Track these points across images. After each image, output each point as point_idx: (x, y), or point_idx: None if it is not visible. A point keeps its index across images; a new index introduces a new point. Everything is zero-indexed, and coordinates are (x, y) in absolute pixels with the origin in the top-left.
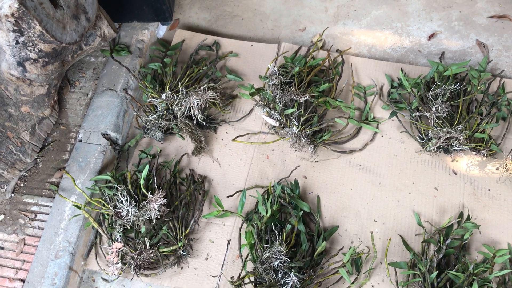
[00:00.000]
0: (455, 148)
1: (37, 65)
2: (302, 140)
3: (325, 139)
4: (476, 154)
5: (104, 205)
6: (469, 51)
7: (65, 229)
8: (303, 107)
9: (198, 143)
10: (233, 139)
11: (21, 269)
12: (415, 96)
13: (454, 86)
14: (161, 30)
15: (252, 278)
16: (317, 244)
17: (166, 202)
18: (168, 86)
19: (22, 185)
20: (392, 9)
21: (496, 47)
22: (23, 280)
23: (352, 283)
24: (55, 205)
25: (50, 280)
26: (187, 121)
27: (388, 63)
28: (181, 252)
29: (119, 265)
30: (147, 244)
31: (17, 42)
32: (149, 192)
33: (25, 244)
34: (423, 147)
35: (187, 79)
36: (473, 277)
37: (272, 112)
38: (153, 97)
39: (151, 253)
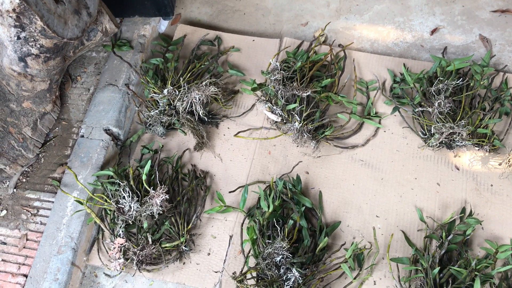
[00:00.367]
0: (457, 144)
1: (39, 61)
2: (304, 136)
3: (327, 134)
4: (478, 149)
5: (106, 201)
6: (472, 46)
7: (68, 224)
8: (305, 102)
9: (200, 138)
10: (235, 135)
11: (23, 264)
12: (417, 91)
13: (457, 81)
14: (163, 25)
15: (254, 274)
16: (319, 239)
17: (168, 197)
18: (169, 82)
19: (24, 180)
20: (394, 3)
21: (499, 42)
22: (25, 275)
23: (354, 278)
24: (57, 200)
25: (53, 276)
26: (189, 117)
27: (391, 58)
28: (183, 248)
29: (121, 260)
30: (149, 240)
31: (18, 38)
32: (151, 187)
33: (27, 240)
34: (425, 143)
35: (188, 74)
36: (476, 273)
37: (274, 107)
38: (155, 93)
39: (153, 248)
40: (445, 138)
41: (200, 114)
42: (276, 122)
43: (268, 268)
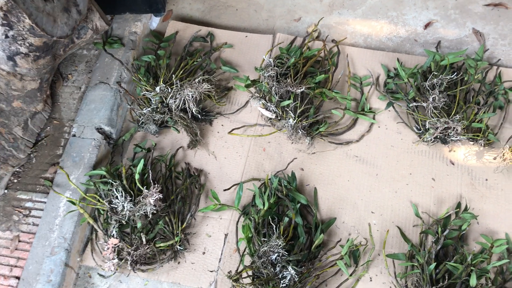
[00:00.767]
0: (452, 138)
1: (28, 59)
2: (299, 132)
3: (322, 130)
4: (473, 144)
5: (99, 201)
6: (466, 40)
7: (60, 225)
8: (299, 98)
9: (194, 136)
10: (229, 132)
11: (16, 266)
12: (411, 86)
13: (451, 75)
14: (154, 22)
15: (250, 272)
16: (315, 236)
17: (162, 196)
18: (162, 79)
19: (15, 181)
20: None
21: (493, 36)
22: (18, 278)
23: (350, 275)
24: (49, 201)
25: (46, 277)
26: (182, 114)
27: (384, 53)
28: (178, 247)
29: (116, 260)
30: (143, 239)
31: (6, 36)
32: (145, 186)
33: (19, 241)
34: (420, 138)
35: (181, 71)
36: (471, 267)
37: (268, 104)
38: (147, 90)
39: (147, 248)
40: (440, 133)
41: (193, 111)
42: (270, 118)
43: (264, 266)
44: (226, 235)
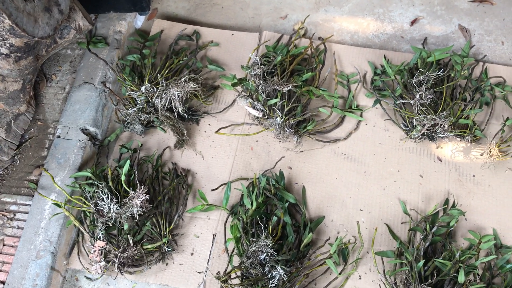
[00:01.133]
0: (439, 135)
1: (9, 60)
2: (286, 131)
3: (309, 129)
4: (460, 140)
5: (85, 203)
6: (452, 36)
7: (46, 228)
8: (286, 97)
9: (180, 136)
10: (216, 131)
11: (0, 270)
12: (398, 83)
13: (438, 72)
14: (139, 21)
15: (239, 273)
16: (304, 235)
17: (148, 198)
18: (147, 78)
19: None
20: None
21: (478, 32)
22: (3, 282)
23: (340, 273)
24: (34, 203)
25: (31, 281)
26: (168, 114)
27: (371, 50)
28: (166, 248)
29: (103, 263)
30: (131, 241)
31: None
32: (131, 188)
33: (4, 245)
34: (407, 135)
35: (166, 71)
36: (460, 264)
37: (255, 103)
38: (132, 90)
39: (134, 250)
40: (427, 129)
41: (180, 111)
42: (257, 117)
43: (253, 266)
44: (214, 235)
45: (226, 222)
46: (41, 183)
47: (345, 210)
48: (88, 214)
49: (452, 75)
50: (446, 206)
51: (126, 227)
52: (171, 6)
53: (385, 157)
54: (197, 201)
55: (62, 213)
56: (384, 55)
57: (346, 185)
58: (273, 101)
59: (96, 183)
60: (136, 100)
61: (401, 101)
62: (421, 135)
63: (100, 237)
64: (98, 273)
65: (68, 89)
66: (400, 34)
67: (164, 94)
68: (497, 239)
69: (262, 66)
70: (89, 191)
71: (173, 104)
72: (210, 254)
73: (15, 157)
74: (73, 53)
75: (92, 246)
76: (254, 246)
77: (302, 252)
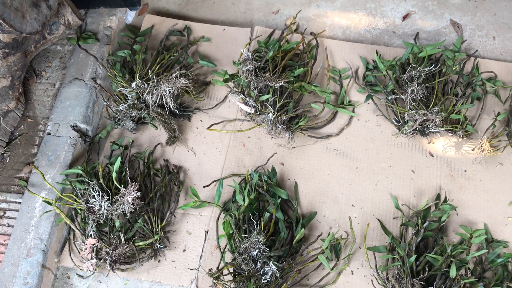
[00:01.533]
0: (431, 130)
1: None
2: (279, 127)
3: (302, 125)
4: (452, 135)
5: (75, 200)
6: (444, 31)
7: (36, 226)
8: (278, 92)
9: (172, 132)
10: (208, 128)
11: None
12: (390, 78)
13: (429, 67)
14: (130, 16)
15: (231, 269)
16: (296, 231)
17: (140, 194)
18: (138, 74)
19: None
20: None
21: (470, 27)
22: None
23: (332, 269)
24: (24, 201)
25: (22, 280)
26: (159, 110)
27: (363, 45)
28: (158, 245)
29: (94, 260)
30: (122, 239)
31: None
32: (122, 185)
33: None
34: (399, 130)
35: (157, 67)
36: (451, 259)
37: (247, 99)
38: (123, 86)
39: (126, 247)
40: (419, 125)
41: (171, 107)
42: (249, 113)
43: (245, 263)
44: (206, 232)
45: (218, 218)
46: (31, 181)
47: (337, 205)
48: (79, 211)
49: (443, 70)
50: (437, 201)
51: (117, 224)
52: (162, 1)
53: (377, 153)
54: (189, 197)
55: (52, 211)
56: (376, 50)
57: (338, 181)
58: (265, 97)
59: (87, 180)
60: (127, 97)
61: (393, 96)
62: (413, 130)
63: (91, 234)
64: (90, 270)
65: (58, 86)
66: (392, 29)
67: (155, 90)
68: (488, 234)
69: (253, 61)
70: (80, 189)
71: (164, 100)
72: (202, 251)
73: (5, 155)
74: (63, 49)
75: (84, 244)
76: (247, 243)
77: (294, 248)
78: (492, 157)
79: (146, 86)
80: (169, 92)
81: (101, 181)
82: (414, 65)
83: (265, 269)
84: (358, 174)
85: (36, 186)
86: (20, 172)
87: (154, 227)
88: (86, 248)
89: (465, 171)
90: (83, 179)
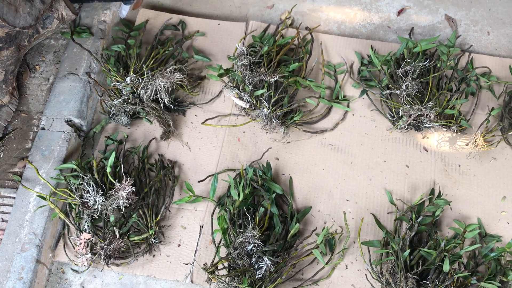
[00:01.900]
0: (425, 125)
1: None
2: (273, 122)
3: (296, 119)
4: (446, 130)
5: (70, 195)
6: (438, 26)
7: (31, 221)
8: (273, 87)
9: (167, 127)
10: (203, 122)
11: None
12: (385, 73)
13: (424, 62)
14: (124, 10)
15: (226, 264)
16: (291, 226)
17: (134, 189)
18: (132, 69)
19: None
20: None
21: (465, 22)
22: None
23: (326, 263)
24: (18, 196)
25: (17, 275)
26: (154, 105)
27: (358, 40)
28: (153, 240)
29: (89, 255)
30: (117, 233)
31: None
32: (117, 180)
33: None
34: (394, 125)
35: (152, 61)
36: (445, 253)
37: (242, 93)
38: (117, 81)
39: (121, 242)
40: (413, 120)
41: (166, 101)
42: (244, 108)
43: (240, 257)
44: (201, 226)
45: (213, 213)
46: (25, 176)
47: (331, 200)
48: (73, 206)
49: (438, 65)
50: (431, 196)
51: (112, 219)
52: None
53: (372, 148)
54: (184, 192)
55: (47, 206)
56: (371, 45)
57: (333, 176)
58: (259, 91)
59: (82, 175)
60: (122, 91)
61: (388, 91)
62: (407, 125)
63: (86, 229)
64: (85, 265)
65: (52, 80)
66: (387, 24)
67: (150, 85)
68: (481, 228)
69: (248, 56)
70: (74, 183)
71: (159, 95)
72: (197, 246)
73: None
74: (57, 43)
75: (78, 239)
76: (241, 237)
77: (289, 243)
78: (486, 152)
79: (140, 81)
80: (164, 86)
81: (96, 176)
82: (408, 60)
83: (260, 263)
84: (352, 169)
85: (30, 181)
86: (14, 167)
87: (149, 222)
88: (80, 243)
89: (459, 166)
90: (78, 174)
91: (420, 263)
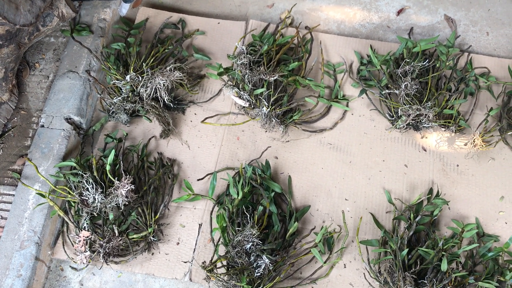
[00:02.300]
0: (424, 125)
1: None
2: (273, 121)
3: (296, 118)
4: (445, 130)
5: (69, 193)
6: (438, 26)
7: (30, 218)
8: (272, 86)
9: (166, 125)
10: (202, 121)
11: None
12: (384, 73)
13: (423, 62)
14: (124, 8)
15: (225, 262)
16: (289, 224)
17: (134, 187)
18: (132, 67)
19: None
20: None
21: (464, 22)
22: None
23: (325, 262)
24: (18, 193)
25: (16, 272)
26: (153, 103)
27: (357, 39)
28: (151, 238)
29: (88, 253)
30: (116, 231)
31: None
32: (116, 178)
33: None
34: (392, 125)
35: (152, 59)
36: (443, 252)
37: (242, 92)
38: (117, 79)
39: (120, 240)
40: (412, 119)
41: (165, 100)
42: (244, 107)
43: (239, 256)
44: (200, 225)
45: (212, 211)
46: (24, 173)
47: (330, 199)
48: (72, 204)
49: (437, 65)
50: (430, 195)
51: (111, 217)
52: None
53: (371, 147)
54: (183, 191)
55: (46, 203)
56: (370, 45)
57: (332, 175)
58: (259, 90)
59: (81, 173)
60: (121, 89)
61: (387, 91)
62: (406, 125)
63: (85, 227)
64: (83, 263)
65: (52, 78)
66: (387, 24)
67: (150, 83)
68: (479, 228)
69: (248, 55)
70: (74, 181)
71: (158, 93)
72: (196, 244)
73: None
74: (57, 41)
75: (77, 236)
76: (240, 236)
77: (287, 241)
78: (484, 152)
79: (140, 79)
80: (163, 85)
81: (95, 173)
82: (408, 60)
83: (258, 262)
84: (351, 168)
85: (29, 178)
86: (13, 165)
87: (148, 220)
88: (79, 241)
89: (458, 165)
90: (77, 171)
91: (418, 262)
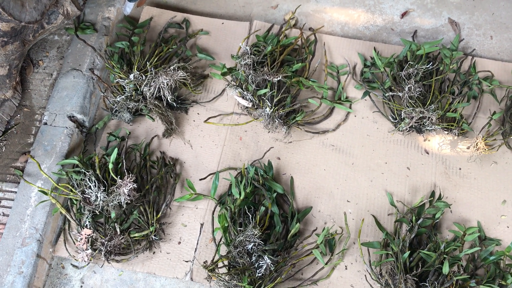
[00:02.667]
0: (427, 128)
1: None
2: (276, 121)
3: (299, 119)
4: (447, 133)
5: (71, 191)
6: (441, 30)
7: (32, 215)
8: (276, 87)
9: (169, 124)
10: (205, 121)
11: None
12: (388, 75)
13: (427, 65)
14: (128, 7)
15: (226, 262)
16: (291, 225)
17: (136, 186)
18: (136, 66)
19: None
20: None
21: (468, 26)
22: None
23: (326, 264)
24: (20, 190)
25: (17, 269)
26: (156, 102)
27: (361, 41)
28: (153, 237)
29: (89, 251)
30: (118, 230)
31: None
32: (118, 176)
33: None
34: (395, 127)
35: (156, 59)
36: (444, 255)
37: (245, 92)
38: (121, 78)
39: (121, 238)
40: (415, 122)
41: (169, 99)
42: (247, 107)
43: (240, 256)
44: (202, 224)
45: (214, 211)
46: (27, 170)
47: (332, 201)
48: (74, 202)
49: (441, 68)
50: (432, 198)
51: (113, 215)
52: None
53: (373, 149)
54: (185, 190)
55: (48, 201)
56: (374, 47)
57: (334, 176)
58: (262, 91)
59: (83, 171)
60: (125, 88)
61: (390, 93)
62: (409, 127)
63: (86, 225)
64: (85, 261)
65: (56, 76)
66: (391, 27)
67: (153, 82)
68: (481, 232)
69: (252, 55)
70: (76, 179)
71: (162, 93)
72: (197, 243)
73: (1, 144)
74: (61, 39)
75: (79, 234)
76: (242, 236)
77: (289, 242)
78: (486, 155)
79: (144, 78)
80: (167, 84)
81: (98, 172)
82: (411, 63)
83: (260, 262)
84: (353, 170)
85: (32, 175)
86: (16, 162)
87: (150, 219)
88: (81, 239)
89: (460, 169)
90: (80, 169)
91: (420, 265)
